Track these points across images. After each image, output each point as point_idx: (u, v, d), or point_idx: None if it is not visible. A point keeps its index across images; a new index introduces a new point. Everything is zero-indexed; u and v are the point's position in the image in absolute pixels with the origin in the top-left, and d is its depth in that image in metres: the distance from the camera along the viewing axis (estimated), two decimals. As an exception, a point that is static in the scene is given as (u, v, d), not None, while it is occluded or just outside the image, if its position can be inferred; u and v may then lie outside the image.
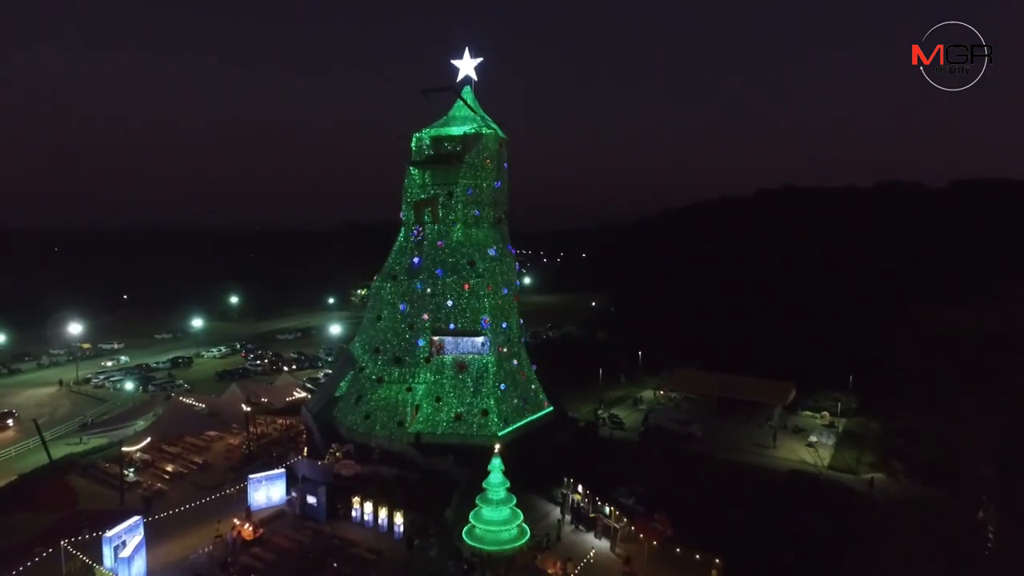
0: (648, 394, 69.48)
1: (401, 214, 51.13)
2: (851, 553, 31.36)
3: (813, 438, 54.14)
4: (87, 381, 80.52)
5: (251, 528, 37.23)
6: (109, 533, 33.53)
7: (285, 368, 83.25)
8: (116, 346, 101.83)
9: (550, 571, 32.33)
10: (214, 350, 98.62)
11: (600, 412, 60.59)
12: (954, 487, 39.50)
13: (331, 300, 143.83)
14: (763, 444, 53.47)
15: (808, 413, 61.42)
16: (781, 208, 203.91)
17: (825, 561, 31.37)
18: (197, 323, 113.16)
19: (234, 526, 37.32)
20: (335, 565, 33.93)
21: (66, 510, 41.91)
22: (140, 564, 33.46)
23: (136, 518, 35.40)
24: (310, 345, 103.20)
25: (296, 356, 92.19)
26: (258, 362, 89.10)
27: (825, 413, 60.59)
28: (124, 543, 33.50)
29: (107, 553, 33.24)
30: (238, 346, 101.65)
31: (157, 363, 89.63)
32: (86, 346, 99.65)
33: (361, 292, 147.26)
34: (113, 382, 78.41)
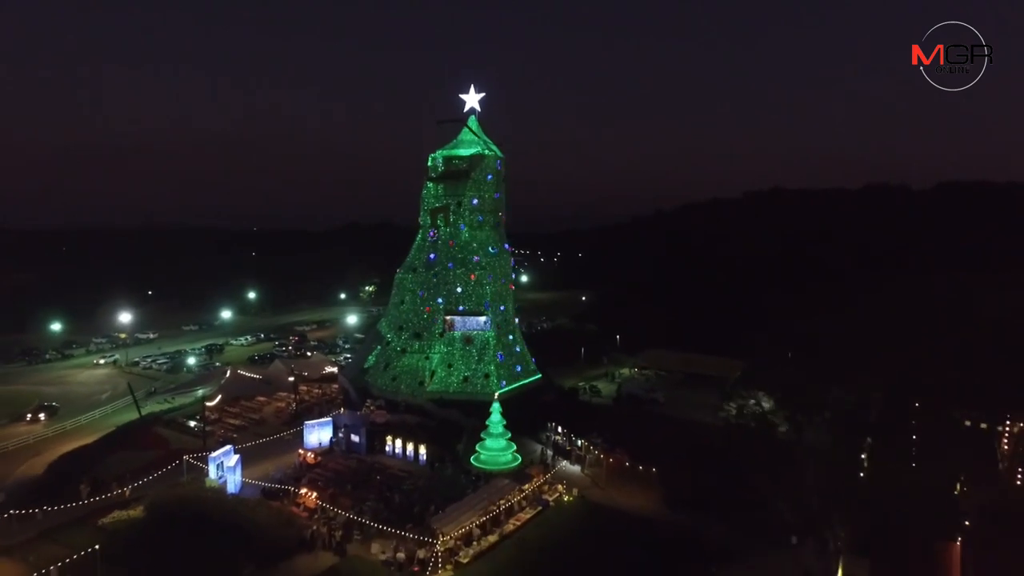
0: (625, 372, 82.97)
1: (419, 219, 64.71)
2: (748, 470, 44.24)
3: (752, 402, 67.56)
4: (136, 363, 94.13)
5: (313, 455, 50.85)
6: (213, 454, 47.22)
7: (309, 353, 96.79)
8: (151, 336, 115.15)
9: (535, 476, 45.86)
10: (242, 339, 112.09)
11: (582, 384, 74.09)
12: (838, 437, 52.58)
13: (343, 296, 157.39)
14: (713, 407, 66.84)
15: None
16: (766, 209, 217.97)
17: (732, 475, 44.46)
18: (226, 315, 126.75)
19: (300, 454, 50.97)
20: (378, 478, 47.47)
21: (163, 449, 55.42)
22: (237, 476, 46.96)
23: (229, 446, 49.03)
24: (327, 334, 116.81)
25: (316, 344, 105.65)
26: (283, 348, 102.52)
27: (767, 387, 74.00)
28: (222, 463, 47.05)
29: (212, 469, 46.84)
30: (262, 336, 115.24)
31: (193, 349, 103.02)
32: (123, 335, 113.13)
33: (369, 289, 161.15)
34: (159, 365, 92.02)
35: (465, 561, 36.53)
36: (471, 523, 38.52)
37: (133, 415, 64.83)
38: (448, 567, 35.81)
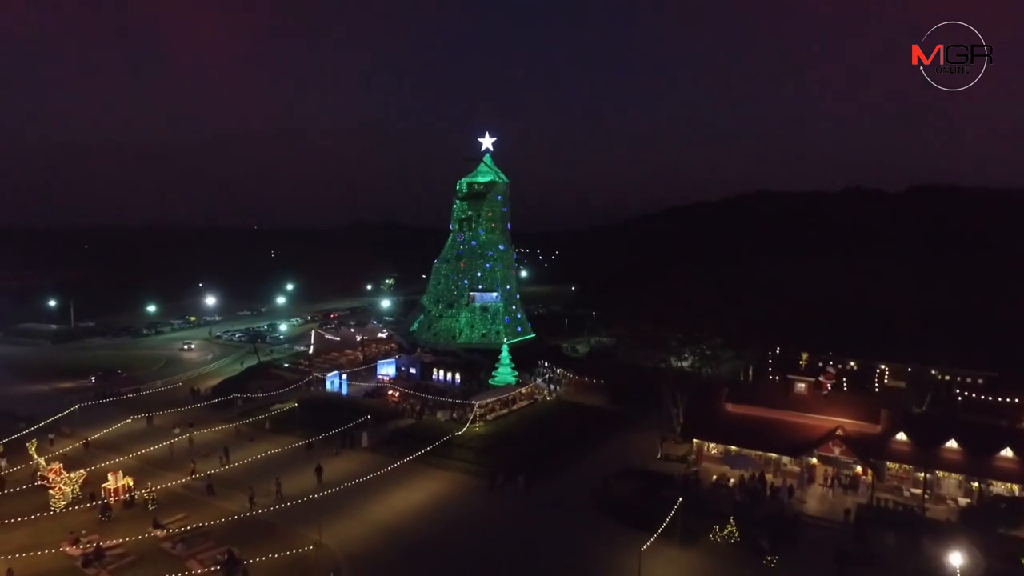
0: (598, 338, 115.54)
1: (450, 226, 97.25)
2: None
3: (686, 355, 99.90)
4: (219, 337, 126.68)
5: (388, 379, 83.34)
6: (328, 375, 79.81)
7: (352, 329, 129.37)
8: (217, 318, 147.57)
9: (529, 387, 78.39)
10: (293, 320, 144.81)
11: (565, 345, 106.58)
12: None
13: (368, 287, 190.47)
14: (654, 360, 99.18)
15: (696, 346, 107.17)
16: (747, 210, 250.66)
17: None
18: (281, 300, 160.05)
19: (379, 377, 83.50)
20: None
21: (281, 380, 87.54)
22: (344, 387, 79.32)
23: (336, 371, 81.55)
24: (359, 317, 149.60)
25: (353, 324, 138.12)
26: (331, 326, 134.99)
27: (703, 347, 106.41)
28: (334, 380, 79.48)
29: (328, 383, 79.37)
30: (308, 318, 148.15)
31: (259, 327, 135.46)
32: (192, 319, 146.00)
33: (390, 281, 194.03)
34: (237, 338, 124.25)
35: (490, 419, 69.01)
36: (493, 402, 71.04)
37: (238, 367, 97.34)
38: (480, 423, 68.07)
